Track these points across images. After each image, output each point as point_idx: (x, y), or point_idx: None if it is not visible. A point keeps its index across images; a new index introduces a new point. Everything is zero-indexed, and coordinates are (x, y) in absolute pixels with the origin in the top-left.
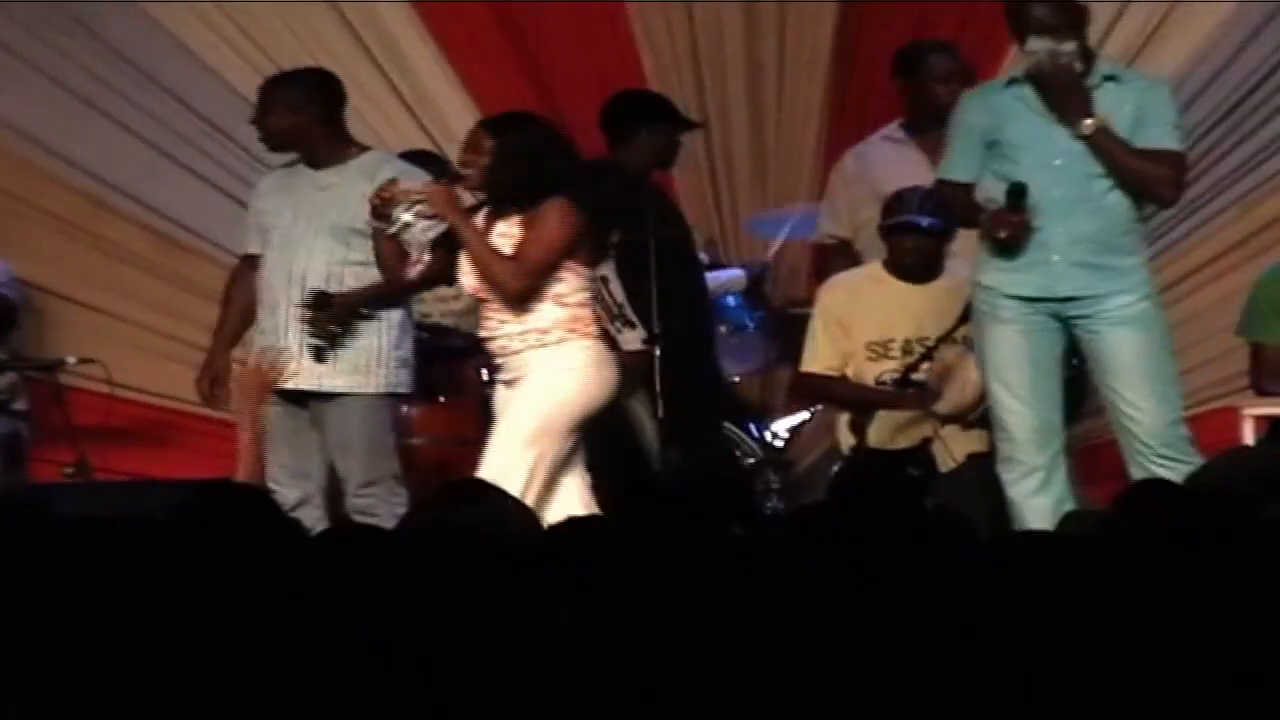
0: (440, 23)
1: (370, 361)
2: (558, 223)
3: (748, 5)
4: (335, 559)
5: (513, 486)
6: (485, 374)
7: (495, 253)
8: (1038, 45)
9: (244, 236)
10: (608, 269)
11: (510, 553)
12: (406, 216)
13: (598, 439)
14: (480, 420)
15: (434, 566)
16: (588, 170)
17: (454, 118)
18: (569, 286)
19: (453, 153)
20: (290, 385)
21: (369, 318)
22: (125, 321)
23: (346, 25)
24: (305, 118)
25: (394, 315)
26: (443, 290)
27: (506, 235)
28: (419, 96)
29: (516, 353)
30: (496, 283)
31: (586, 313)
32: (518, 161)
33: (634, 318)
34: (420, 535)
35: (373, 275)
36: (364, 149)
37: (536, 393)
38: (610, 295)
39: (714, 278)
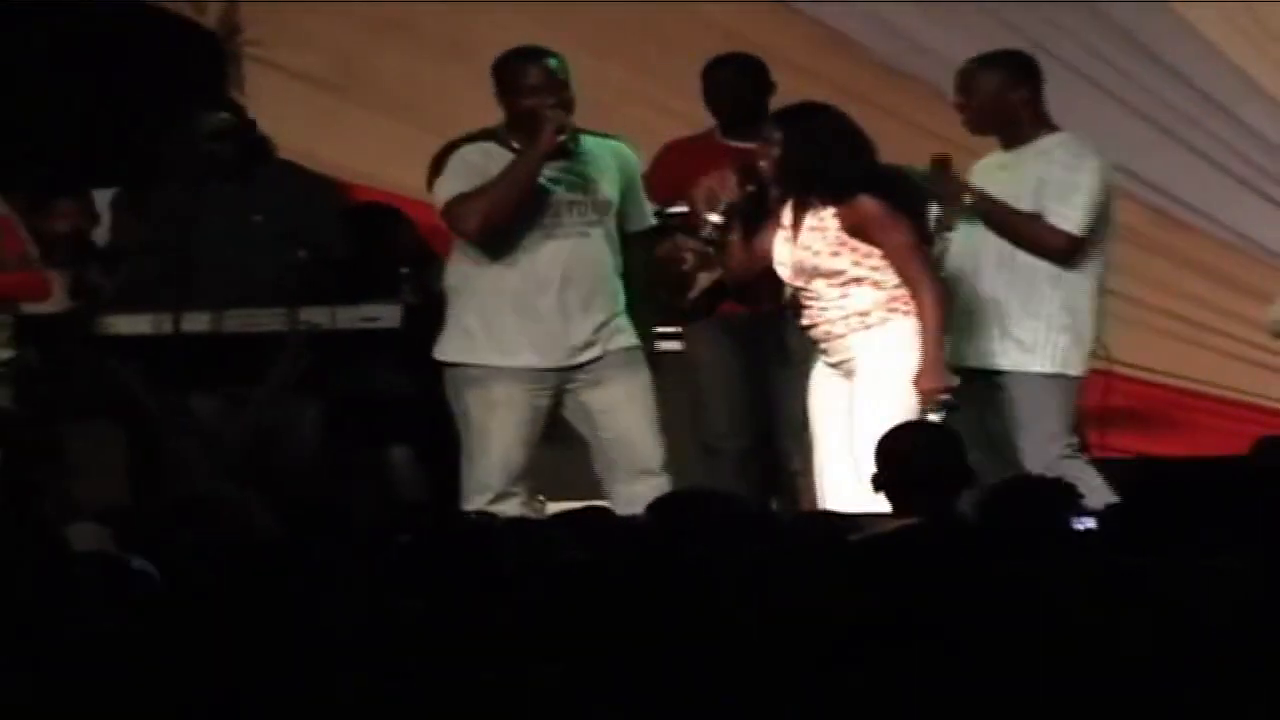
0: None
1: (1037, 339)
2: (891, 223)
3: None
4: None
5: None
6: None
7: (933, 315)
8: None
9: None
10: None
11: None
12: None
13: None
14: None
15: None
16: (873, 163)
17: None
18: (884, 273)
19: None
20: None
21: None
22: (1124, 299)
23: None
24: (1012, 98)
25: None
26: None
27: (818, 228)
28: None
29: (840, 336)
30: (932, 299)
31: (902, 292)
32: (806, 150)
33: None
34: None
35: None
36: (1051, 130)
37: (874, 379)
38: None
39: None
